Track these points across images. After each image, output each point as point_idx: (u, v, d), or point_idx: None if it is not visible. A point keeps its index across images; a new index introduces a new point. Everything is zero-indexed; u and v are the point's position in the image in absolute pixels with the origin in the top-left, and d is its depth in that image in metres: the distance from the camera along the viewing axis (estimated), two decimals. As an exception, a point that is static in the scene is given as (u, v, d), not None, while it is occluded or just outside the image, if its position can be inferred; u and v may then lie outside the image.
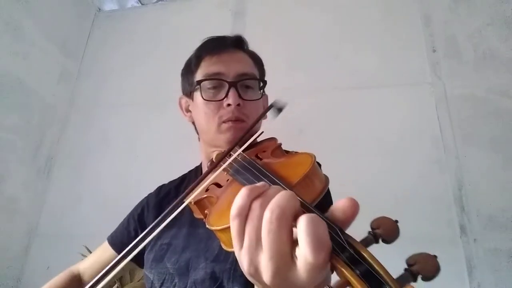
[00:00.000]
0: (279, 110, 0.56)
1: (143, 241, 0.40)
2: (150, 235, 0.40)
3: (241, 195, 0.30)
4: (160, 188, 0.80)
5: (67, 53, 1.83)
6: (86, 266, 0.78)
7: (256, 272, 0.29)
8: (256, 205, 0.30)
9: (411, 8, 1.57)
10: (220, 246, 0.39)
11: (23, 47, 1.58)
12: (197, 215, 0.52)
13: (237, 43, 0.74)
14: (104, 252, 0.77)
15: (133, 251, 0.39)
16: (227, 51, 0.70)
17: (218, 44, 0.72)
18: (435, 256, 0.25)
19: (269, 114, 0.57)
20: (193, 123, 0.76)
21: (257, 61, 0.76)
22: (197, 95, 0.69)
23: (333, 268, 0.26)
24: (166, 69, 1.77)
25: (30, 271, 1.49)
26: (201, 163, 0.80)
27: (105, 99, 1.80)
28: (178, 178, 0.82)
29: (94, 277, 0.40)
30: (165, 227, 0.69)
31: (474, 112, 1.33)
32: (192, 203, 0.50)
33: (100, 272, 0.70)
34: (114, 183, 1.57)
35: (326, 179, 0.41)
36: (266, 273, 0.28)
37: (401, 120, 1.38)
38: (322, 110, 1.46)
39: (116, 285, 1.08)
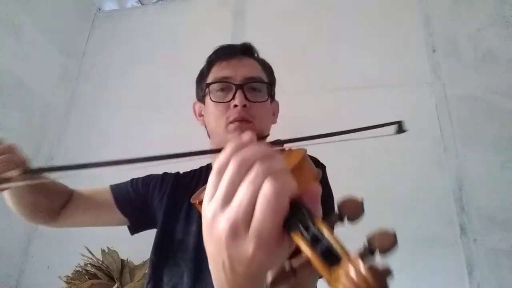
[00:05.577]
0: (401, 130, 0.52)
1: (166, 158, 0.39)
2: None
3: (223, 152, 0.32)
4: (177, 174, 0.86)
5: (67, 53, 1.83)
6: (80, 191, 0.82)
7: (213, 222, 0.29)
8: (236, 160, 0.30)
9: (411, 8, 1.57)
10: None
11: (23, 47, 1.57)
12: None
13: (245, 50, 0.79)
14: (102, 192, 0.83)
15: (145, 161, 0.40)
16: (236, 57, 0.76)
17: (228, 51, 0.78)
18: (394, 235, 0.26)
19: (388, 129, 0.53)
20: (206, 127, 0.81)
21: (266, 67, 0.81)
22: (207, 98, 0.75)
23: (296, 246, 0.27)
24: (166, 69, 1.78)
25: (30, 271, 1.48)
26: (210, 164, 0.84)
27: (105, 99, 1.80)
28: (192, 171, 0.87)
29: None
30: (173, 221, 0.74)
31: (474, 112, 1.33)
32: (197, 203, 0.52)
33: (88, 202, 0.79)
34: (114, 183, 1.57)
35: (318, 172, 0.42)
36: (222, 225, 0.28)
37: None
38: (322, 110, 1.46)
39: (116, 285, 1.08)
